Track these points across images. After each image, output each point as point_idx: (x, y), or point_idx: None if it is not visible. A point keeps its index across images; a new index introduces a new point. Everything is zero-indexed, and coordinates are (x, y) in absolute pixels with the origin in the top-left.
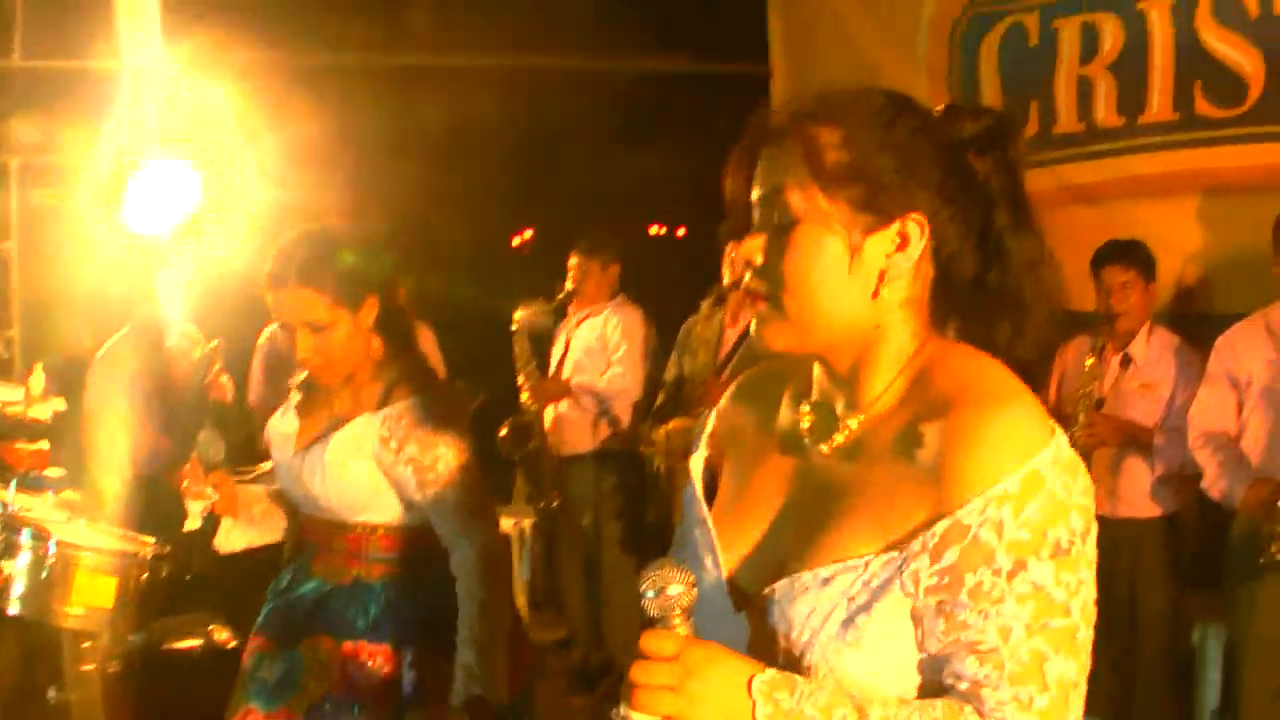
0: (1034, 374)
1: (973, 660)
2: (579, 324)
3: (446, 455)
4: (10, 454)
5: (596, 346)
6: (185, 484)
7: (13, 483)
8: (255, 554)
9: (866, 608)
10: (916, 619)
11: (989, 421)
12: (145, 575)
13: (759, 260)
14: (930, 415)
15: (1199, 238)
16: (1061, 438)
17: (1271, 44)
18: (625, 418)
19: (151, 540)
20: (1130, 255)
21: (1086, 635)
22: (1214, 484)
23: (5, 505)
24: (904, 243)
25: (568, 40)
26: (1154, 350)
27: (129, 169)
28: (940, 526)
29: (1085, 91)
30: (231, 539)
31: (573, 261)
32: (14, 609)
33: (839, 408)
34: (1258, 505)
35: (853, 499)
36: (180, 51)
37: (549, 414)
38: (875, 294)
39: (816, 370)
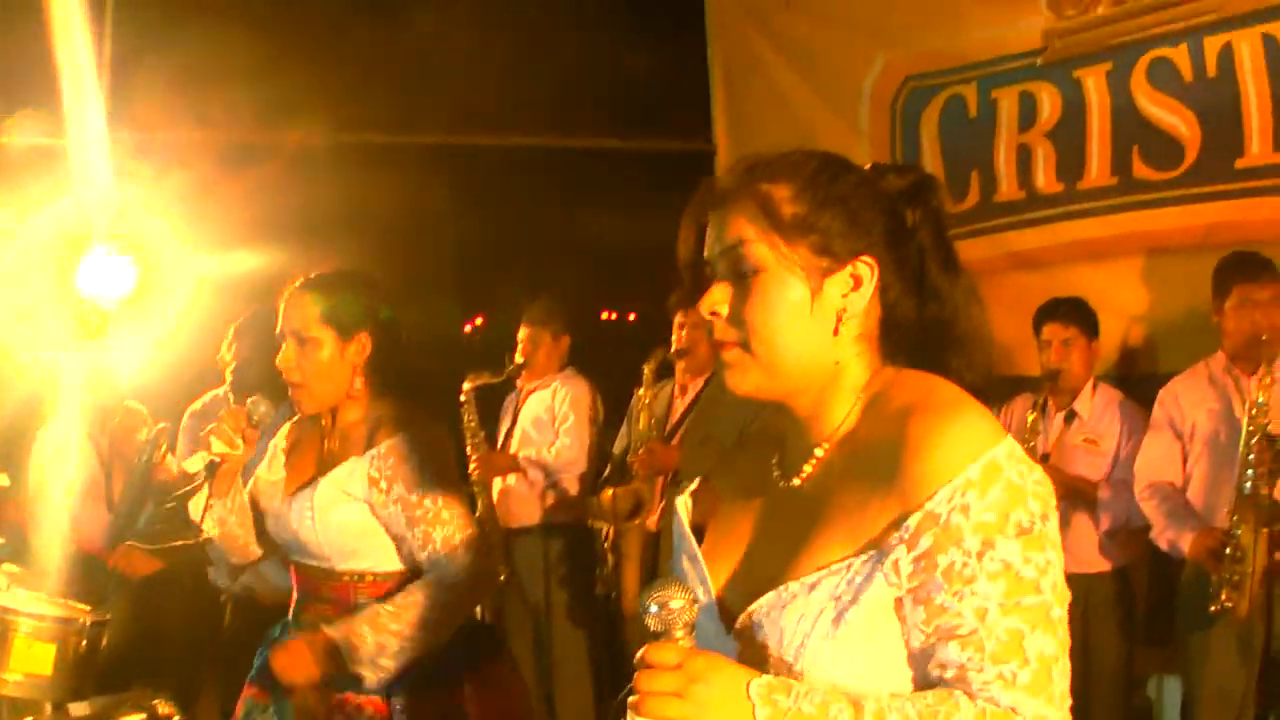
0: (982, 399)
1: (955, 646)
2: (527, 396)
3: (433, 492)
4: None
5: (544, 419)
6: (209, 429)
7: None
8: (196, 629)
9: (855, 602)
10: (901, 614)
11: (946, 422)
12: (84, 643)
13: (724, 310)
14: (890, 426)
15: (1141, 298)
16: (1013, 441)
17: (1206, 107)
18: (573, 490)
19: (89, 609)
20: (1071, 312)
21: (1061, 614)
22: (1161, 534)
23: None
24: (857, 283)
25: (515, 119)
26: (1098, 406)
27: (73, 247)
28: (914, 519)
29: (1025, 159)
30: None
31: (523, 333)
32: None
33: (805, 443)
34: (1205, 554)
35: (827, 516)
36: (122, 131)
37: (496, 486)
38: (835, 332)
39: (782, 415)
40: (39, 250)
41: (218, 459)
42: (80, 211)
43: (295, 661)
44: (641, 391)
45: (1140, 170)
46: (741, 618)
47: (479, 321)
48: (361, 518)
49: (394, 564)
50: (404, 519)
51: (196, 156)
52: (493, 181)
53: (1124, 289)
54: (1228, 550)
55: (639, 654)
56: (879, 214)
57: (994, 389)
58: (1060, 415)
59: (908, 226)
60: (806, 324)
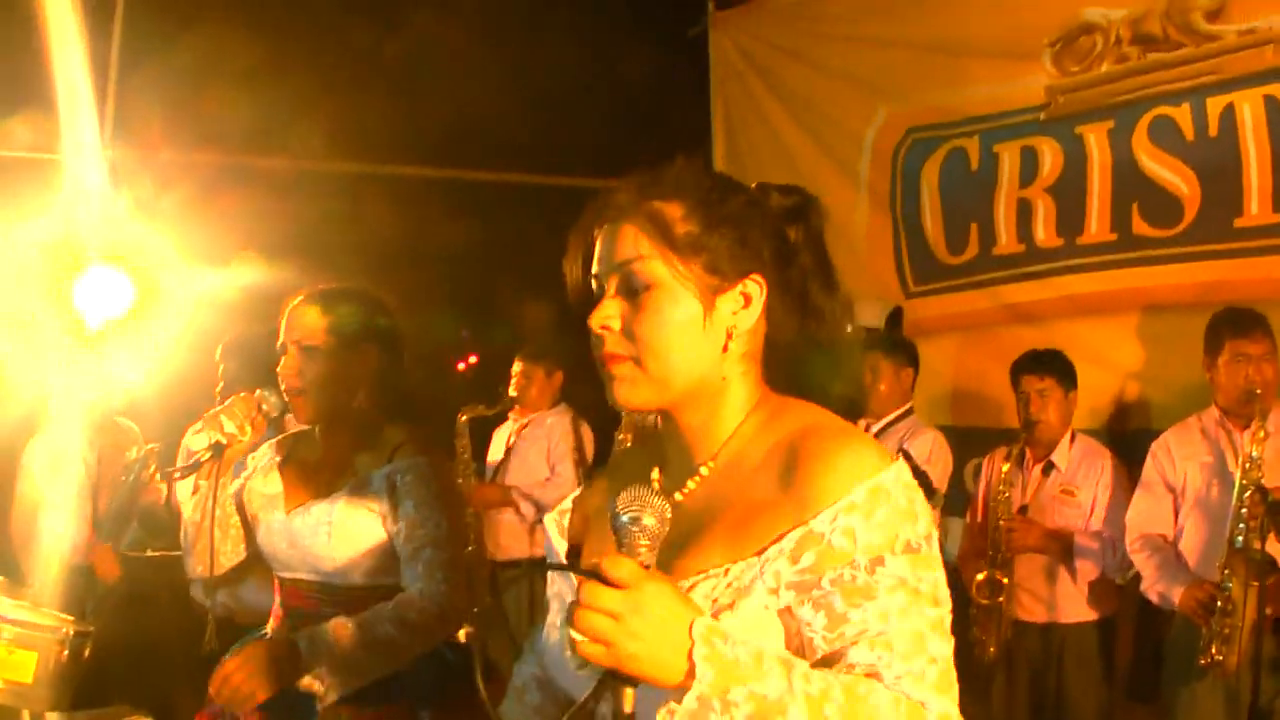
0: (855, 410)
1: (864, 647)
2: (520, 430)
3: (440, 521)
4: None
5: (537, 453)
6: (211, 411)
7: None
8: (178, 645)
9: (730, 606)
10: (790, 630)
11: (836, 448)
12: (66, 652)
13: (616, 325)
14: (780, 450)
15: (1137, 354)
16: (902, 465)
17: (1206, 165)
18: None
19: (72, 619)
20: (1046, 364)
21: (948, 623)
22: (1152, 586)
23: None
24: (747, 301)
25: (511, 156)
26: (1075, 457)
27: (70, 265)
28: (796, 534)
29: (1025, 213)
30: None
31: (516, 368)
32: None
33: (689, 459)
34: (1196, 607)
35: (709, 527)
36: (119, 148)
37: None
38: (725, 349)
39: (662, 432)
40: (35, 264)
41: (225, 440)
42: (77, 227)
43: (247, 670)
44: (621, 436)
45: (1139, 227)
46: None
47: (473, 360)
48: (378, 531)
49: (401, 581)
50: (404, 534)
51: (192, 176)
52: (492, 214)
53: (1120, 345)
54: (1218, 604)
55: (597, 565)
56: (766, 234)
57: (978, 439)
58: (1039, 467)
59: (791, 246)
60: (698, 340)
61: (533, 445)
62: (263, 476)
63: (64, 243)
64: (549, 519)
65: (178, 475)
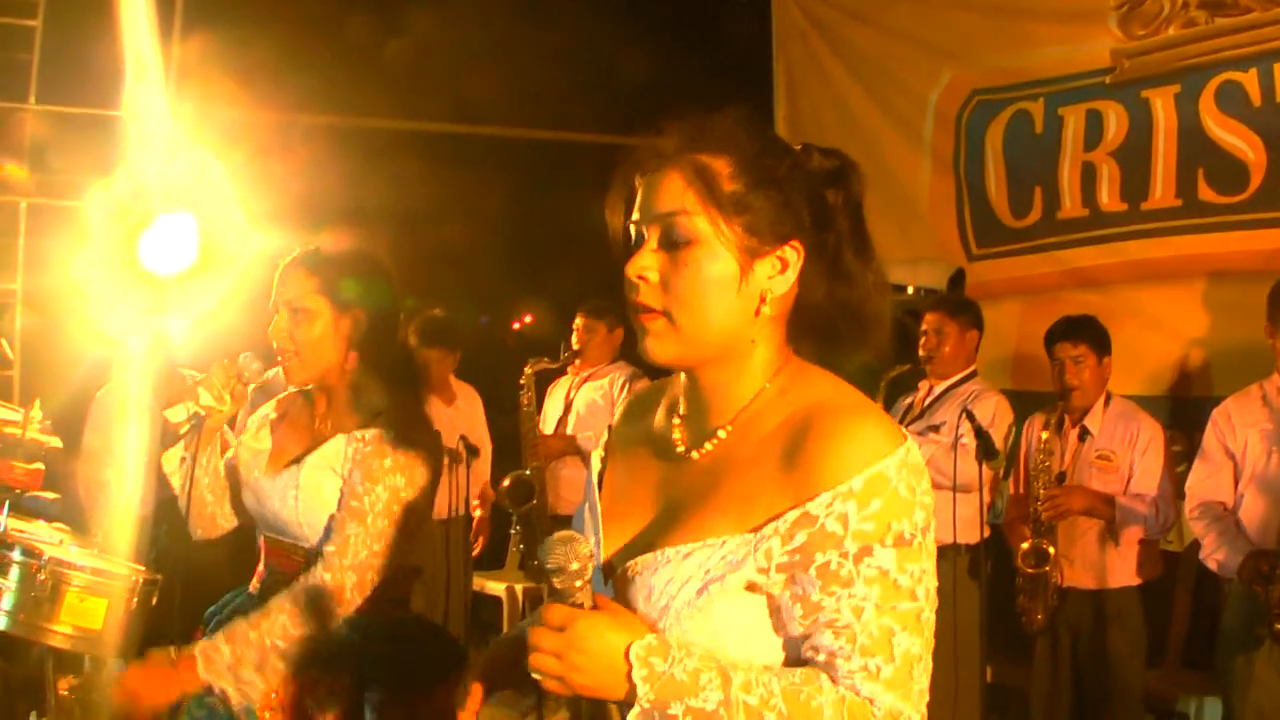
0: (878, 379)
1: (829, 634)
2: (581, 384)
3: (380, 496)
4: (7, 471)
5: (600, 405)
6: (198, 380)
7: (5, 504)
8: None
9: (720, 579)
10: (773, 606)
11: (843, 428)
12: (135, 600)
13: (653, 276)
14: (792, 423)
15: (1201, 322)
16: (913, 446)
17: (1273, 132)
18: None
19: (142, 567)
20: (1080, 330)
21: (930, 617)
22: (1211, 555)
23: None
24: (784, 266)
25: (575, 114)
26: (1110, 422)
27: (136, 217)
28: (791, 515)
29: (1089, 177)
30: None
31: (578, 322)
32: (1, 624)
33: (708, 417)
34: (1255, 576)
35: (718, 493)
36: (187, 105)
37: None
38: (757, 313)
39: (684, 383)
40: (102, 221)
41: (203, 412)
42: (142, 181)
43: (153, 681)
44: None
45: (1205, 193)
46: (619, 571)
47: (528, 319)
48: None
49: None
50: (341, 502)
51: (253, 135)
52: (551, 175)
53: (1183, 311)
54: (1278, 572)
55: (539, 611)
56: (807, 198)
57: (1039, 404)
58: (1074, 432)
59: (829, 210)
60: (732, 301)
61: (596, 399)
62: (254, 432)
63: (129, 196)
64: (594, 454)
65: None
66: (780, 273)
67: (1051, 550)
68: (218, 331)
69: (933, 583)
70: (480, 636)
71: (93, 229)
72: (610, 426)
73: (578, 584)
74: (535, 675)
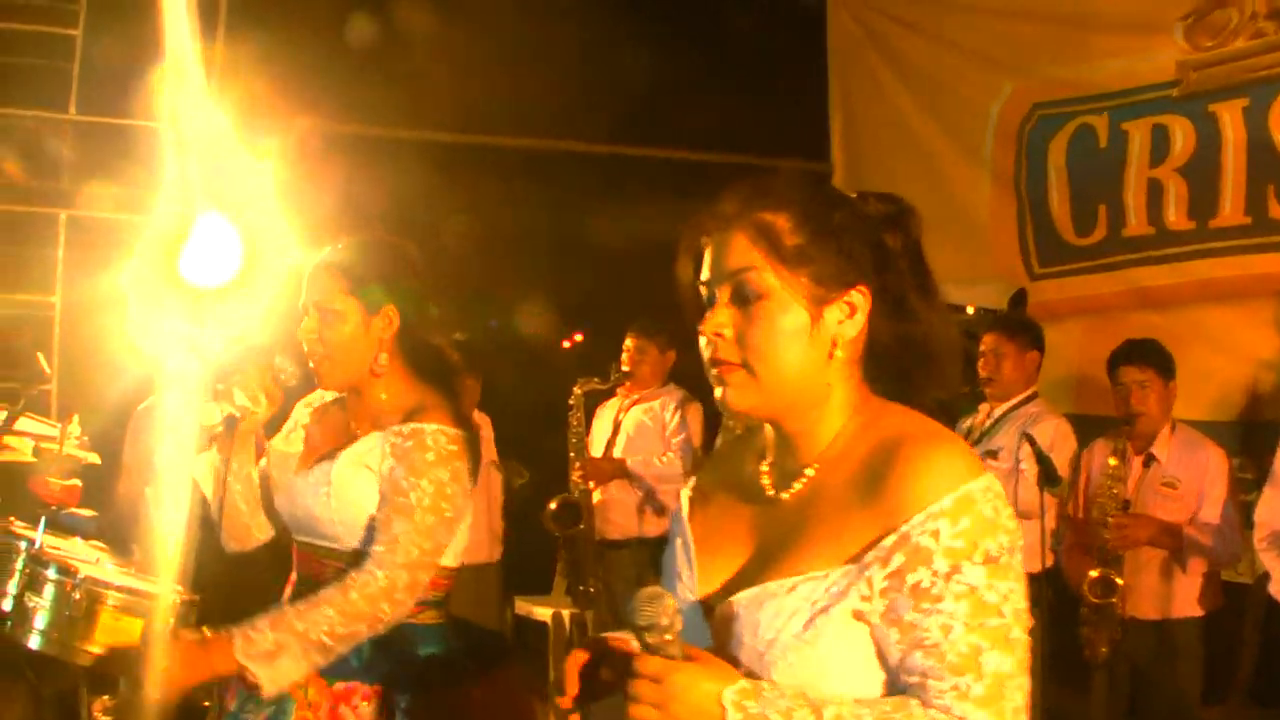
0: (951, 413)
1: (919, 654)
2: (631, 406)
3: (425, 490)
4: (43, 487)
5: (651, 429)
6: (232, 381)
7: (42, 520)
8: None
9: (826, 610)
10: (875, 635)
11: (928, 455)
12: (174, 621)
13: (729, 333)
14: (878, 454)
15: (1271, 344)
16: (992, 477)
17: None
18: (671, 503)
19: (180, 588)
20: (1145, 354)
21: (1020, 636)
22: None
23: (32, 541)
24: (852, 311)
25: (627, 129)
26: (1176, 449)
27: (177, 229)
28: (889, 540)
29: (1155, 194)
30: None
31: (629, 342)
32: (34, 642)
33: (794, 460)
34: None
35: (812, 529)
36: (231, 114)
37: (597, 495)
38: (830, 357)
39: (769, 431)
40: (146, 232)
41: (238, 413)
42: (186, 194)
43: (185, 661)
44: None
45: (1275, 210)
46: (721, 607)
47: (578, 338)
48: (374, 493)
49: None
50: (383, 498)
51: (296, 144)
52: (604, 189)
53: (1254, 333)
54: None
55: (634, 658)
56: (867, 243)
57: (1102, 429)
58: (1139, 459)
59: (889, 253)
60: (805, 349)
61: (645, 422)
62: (286, 436)
63: (170, 207)
64: (683, 493)
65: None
66: (849, 317)
67: (1119, 581)
68: (264, 345)
69: (1022, 603)
70: (525, 663)
71: (133, 241)
72: (698, 474)
73: (668, 637)
74: None
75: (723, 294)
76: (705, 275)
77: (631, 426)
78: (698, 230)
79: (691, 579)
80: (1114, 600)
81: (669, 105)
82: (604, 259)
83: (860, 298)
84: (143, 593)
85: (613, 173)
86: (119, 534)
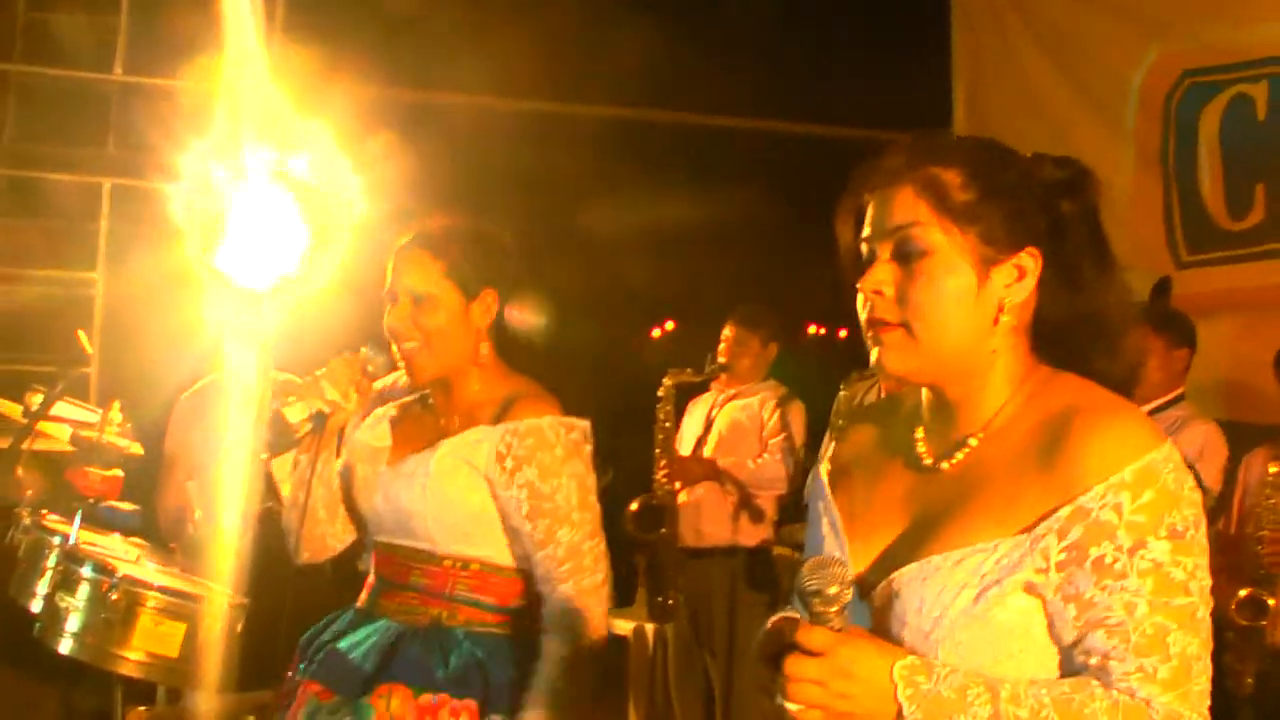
0: (1126, 390)
1: (1101, 634)
2: (725, 402)
3: (569, 487)
4: (81, 478)
5: (747, 428)
6: (318, 374)
7: (78, 513)
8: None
9: (997, 582)
10: (1049, 610)
11: (1107, 423)
12: (219, 627)
13: (889, 290)
14: (1050, 425)
15: None
16: (1173, 446)
17: None
18: (769, 510)
19: (229, 591)
20: None
21: (1205, 615)
22: None
23: (66, 536)
24: (1020, 275)
25: (725, 99)
26: None
27: (230, 207)
28: (1065, 511)
29: None
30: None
31: (727, 333)
32: (66, 646)
33: (954, 428)
34: None
35: (976, 500)
36: (290, 81)
37: (682, 496)
38: (995, 322)
39: (925, 397)
40: (196, 204)
41: (327, 409)
42: (242, 172)
43: None
44: (845, 392)
45: None
46: (881, 585)
47: (669, 326)
48: (480, 496)
49: (505, 558)
50: (528, 507)
51: (371, 116)
52: (700, 165)
53: None
54: None
55: (791, 630)
56: (1040, 207)
57: (1258, 438)
58: None
59: (1064, 220)
60: (970, 311)
61: (741, 420)
62: (371, 429)
63: (229, 181)
64: (822, 469)
65: (270, 455)
66: (1018, 280)
67: (1271, 602)
68: (328, 334)
69: (1207, 580)
70: (605, 681)
71: (185, 220)
72: (836, 434)
73: (834, 609)
74: (792, 707)
75: (884, 250)
76: (866, 231)
77: (725, 425)
78: (860, 186)
79: (845, 559)
80: (1263, 624)
81: (766, 73)
82: (701, 241)
83: (1030, 261)
84: (187, 594)
85: (710, 147)
86: (162, 531)
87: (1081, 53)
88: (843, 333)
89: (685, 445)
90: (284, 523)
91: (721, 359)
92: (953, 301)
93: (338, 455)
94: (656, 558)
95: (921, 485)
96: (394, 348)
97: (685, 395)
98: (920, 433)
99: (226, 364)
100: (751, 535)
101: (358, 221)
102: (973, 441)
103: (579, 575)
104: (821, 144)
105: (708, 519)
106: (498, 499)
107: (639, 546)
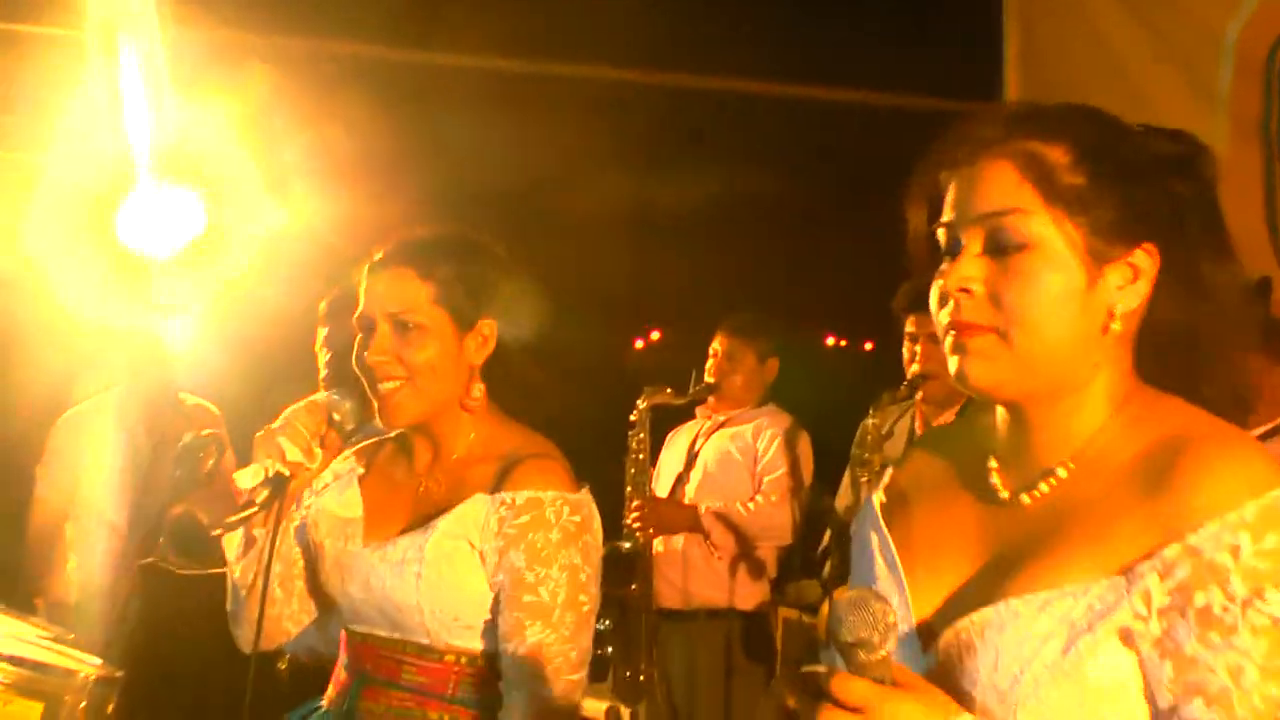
0: (1242, 411)
1: (1199, 704)
2: (714, 430)
3: (558, 580)
4: None
5: (740, 462)
6: (276, 428)
7: None
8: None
9: (1088, 630)
10: (1145, 666)
11: (1223, 454)
12: (84, 704)
13: (979, 288)
14: (1153, 453)
15: None
16: None
17: None
18: (769, 567)
19: (97, 660)
20: None
21: None
22: None
23: None
24: (1135, 275)
25: (739, 56)
26: None
27: (114, 183)
28: (1172, 550)
29: None
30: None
31: (718, 345)
32: None
33: (1037, 456)
34: None
35: (1063, 537)
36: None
37: (658, 545)
38: (1104, 330)
39: (1001, 417)
40: (72, 187)
41: (286, 471)
42: (125, 135)
43: None
44: (882, 420)
45: None
46: (946, 634)
47: (654, 336)
48: (481, 578)
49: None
50: (506, 595)
51: (287, 71)
52: (708, 135)
53: None
54: None
55: (826, 678)
56: (1159, 191)
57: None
58: None
59: (1181, 206)
60: (1075, 317)
61: (731, 453)
62: (338, 494)
63: (109, 157)
64: (875, 498)
65: (222, 530)
66: (1131, 282)
67: None
68: (235, 343)
69: None
70: None
71: (56, 191)
72: (895, 465)
73: (880, 654)
74: None
75: (973, 240)
76: (948, 216)
77: (713, 458)
78: (940, 160)
79: (903, 602)
80: None
81: (796, 28)
82: (699, 229)
83: (1146, 260)
84: (45, 666)
85: (726, 114)
86: (21, 584)
87: (1165, 2)
88: (868, 345)
89: (663, 484)
90: (229, 608)
91: (709, 377)
92: (1056, 304)
93: (289, 513)
94: (625, 621)
95: (996, 520)
96: (366, 387)
97: (665, 421)
98: (994, 460)
99: (118, 376)
100: (747, 596)
101: (264, 203)
102: (1060, 472)
103: (538, 682)
104: (845, 112)
105: (692, 575)
106: (489, 580)
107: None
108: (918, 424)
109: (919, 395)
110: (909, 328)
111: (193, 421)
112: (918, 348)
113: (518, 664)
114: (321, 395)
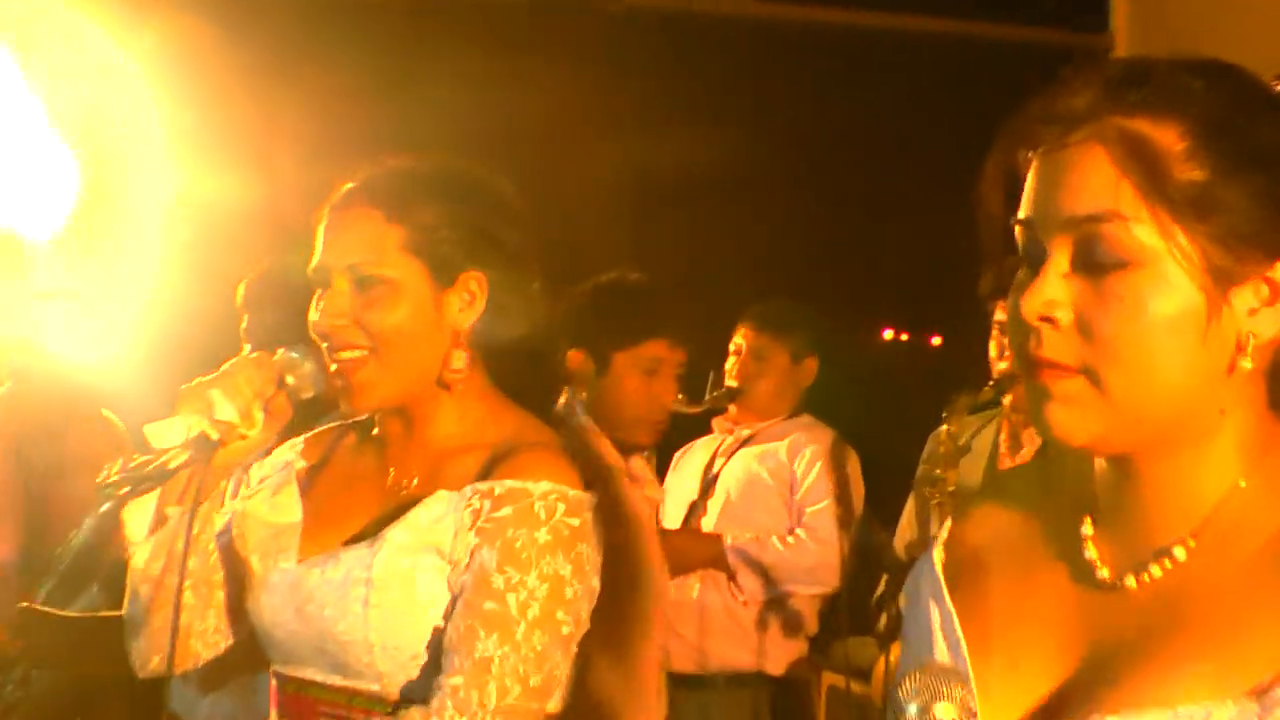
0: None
1: None
2: (737, 446)
3: (534, 591)
4: None
5: (771, 486)
6: (211, 379)
7: None
8: None
9: None
10: None
11: None
12: None
13: (1065, 316)
14: None
15: None
16: None
17: None
18: (809, 620)
19: None
20: None
21: None
22: None
23: None
24: (1273, 295)
25: None
26: None
27: None
28: None
29: None
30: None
31: (740, 339)
32: None
33: (1148, 527)
34: None
35: (1182, 636)
36: None
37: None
38: (1231, 368)
39: (1100, 469)
40: None
41: (215, 434)
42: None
43: None
44: (948, 427)
45: None
46: None
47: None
48: (442, 594)
49: None
50: (463, 600)
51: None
52: (755, 73)
53: None
54: None
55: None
56: None
57: None
58: None
59: None
60: (1194, 352)
61: (761, 477)
62: (270, 495)
63: None
64: (935, 557)
65: (124, 491)
66: (1268, 304)
67: None
68: (134, 336)
69: None
70: None
71: None
72: (955, 524)
73: None
74: None
75: (1059, 252)
76: (1027, 212)
77: (737, 483)
78: (1018, 138)
79: (968, 693)
80: None
81: None
82: (719, 198)
83: None
84: None
85: (758, 48)
86: None
87: None
88: (936, 340)
89: (672, 515)
90: (126, 612)
91: (731, 381)
92: (1167, 338)
93: (211, 493)
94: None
95: (1092, 605)
96: (325, 355)
97: (675, 435)
98: (1090, 525)
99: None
100: (780, 658)
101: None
102: (1178, 551)
103: (474, 697)
104: (918, 46)
105: (711, 630)
106: (450, 583)
107: None
108: (1003, 439)
109: (1007, 401)
110: (998, 315)
111: (96, 438)
112: (1007, 340)
113: (458, 684)
114: (280, 353)
